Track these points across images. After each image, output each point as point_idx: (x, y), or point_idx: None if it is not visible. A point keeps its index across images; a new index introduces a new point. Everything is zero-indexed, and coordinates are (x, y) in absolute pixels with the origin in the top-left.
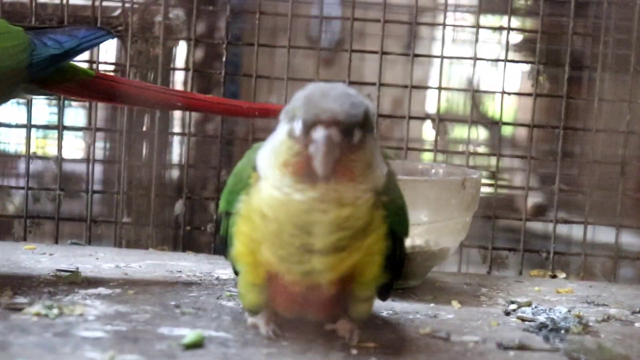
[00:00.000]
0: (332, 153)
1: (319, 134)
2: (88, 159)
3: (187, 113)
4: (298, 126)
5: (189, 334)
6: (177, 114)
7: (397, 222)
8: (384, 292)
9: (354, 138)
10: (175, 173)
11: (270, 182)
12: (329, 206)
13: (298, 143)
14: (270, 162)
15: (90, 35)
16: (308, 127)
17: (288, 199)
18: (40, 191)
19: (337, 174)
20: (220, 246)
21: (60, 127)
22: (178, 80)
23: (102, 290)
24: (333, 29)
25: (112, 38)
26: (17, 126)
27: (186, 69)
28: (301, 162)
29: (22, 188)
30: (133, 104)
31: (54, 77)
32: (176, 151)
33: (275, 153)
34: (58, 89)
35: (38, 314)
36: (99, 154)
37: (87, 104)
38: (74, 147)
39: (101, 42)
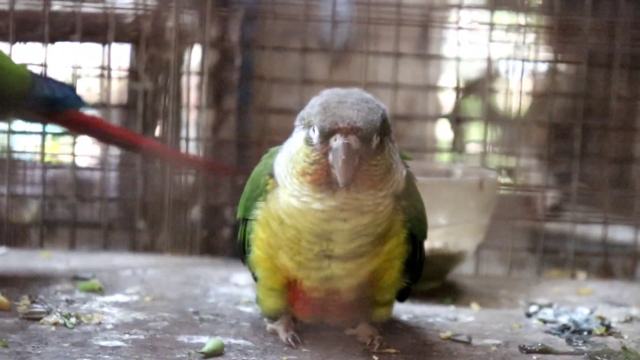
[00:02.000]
0: (351, 161)
1: (337, 142)
2: (103, 165)
3: (202, 117)
4: (315, 134)
5: (208, 342)
6: (191, 117)
7: (416, 226)
8: (403, 294)
9: (372, 144)
10: (190, 178)
11: (289, 191)
12: (349, 214)
13: (316, 151)
14: (287, 170)
15: (75, 96)
16: (326, 135)
17: (307, 207)
18: (55, 198)
19: (356, 182)
20: (238, 252)
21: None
22: (191, 85)
23: (119, 297)
24: (345, 30)
25: (84, 107)
26: (31, 133)
27: (199, 74)
28: (320, 170)
29: (38, 196)
30: (113, 144)
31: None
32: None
33: (293, 161)
34: (49, 120)
35: (56, 323)
36: (114, 159)
37: (101, 110)
38: (90, 152)
39: (79, 106)
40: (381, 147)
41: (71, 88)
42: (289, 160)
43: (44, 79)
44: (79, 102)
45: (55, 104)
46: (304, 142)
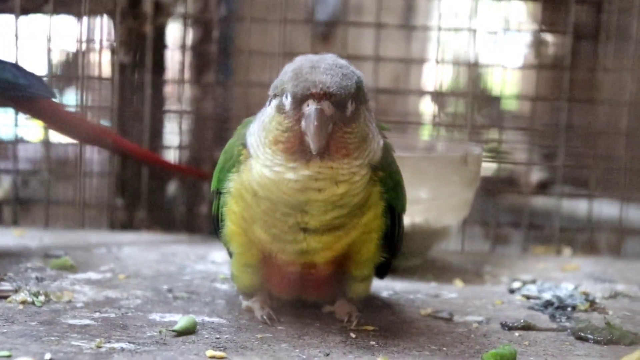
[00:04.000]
0: (324, 127)
1: (310, 108)
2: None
3: (182, 91)
4: (288, 101)
5: (180, 320)
6: (172, 92)
7: (394, 198)
8: (382, 271)
9: (347, 111)
10: (169, 152)
11: (261, 161)
12: (324, 184)
13: (288, 118)
14: (260, 139)
15: (41, 85)
16: (298, 101)
17: (280, 178)
18: (29, 175)
19: (330, 150)
20: (213, 226)
21: None
22: (171, 59)
23: (92, 275)
24: (329, 3)
25: (52, 98)
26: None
27: (179, 47)
28: (292, 138)
29: (10, 171)
30: (89, 143)
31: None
32: (170, 130)
33: (265, 130)
34: (17, 107)
35: (24, 302)
36: None
37: (78, 83)
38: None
39: (44, 96)
40: (356, 114)
41: (38, 78)
42: (262, 129)
43: (7, 64)
44: (46, 92)
45: (17, 90)
46: (276, 110)
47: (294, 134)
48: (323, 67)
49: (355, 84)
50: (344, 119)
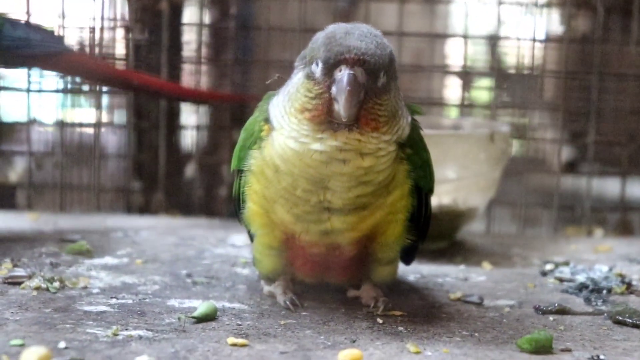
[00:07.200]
0: (357, 94)
1: (342, 73)
2: (96, 123)
3: (199, 70)
4: (319, 68)
5: (200, 306)
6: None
7: (422, 177)
8: (409, 256)
9: (379, 81)
10: (186, 134)
11: (286, 132)
12: (349, 155)
13: (318, 85)
14: (285, 109)
15: (55, 40)
16: (330, 66)
17: (305, 149)
18: (44, 158)
19: (360, 122)
20: (233, 208)
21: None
22: (188, 37)
23: (108, 260)
24: None
25: (68, 52)
26: (16, 90)
27: (197, 25)
28: (320, 106)
29: (24, 154)
30: (102, 84)
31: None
32: (187, 110)
33: (292, 99)
34: (38, 64)
35: (38, 288)
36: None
37: None
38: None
39: (59, 50)
40: (387, 87)
41: (51, 33)
42: (287, 99)
43: (18, 23)
44: (60, 45)
45: (32, 46)
46: (305, 78)
47: (323, 102)
48: (357, 33)
49: (389, 55)
50: (376, 89)
